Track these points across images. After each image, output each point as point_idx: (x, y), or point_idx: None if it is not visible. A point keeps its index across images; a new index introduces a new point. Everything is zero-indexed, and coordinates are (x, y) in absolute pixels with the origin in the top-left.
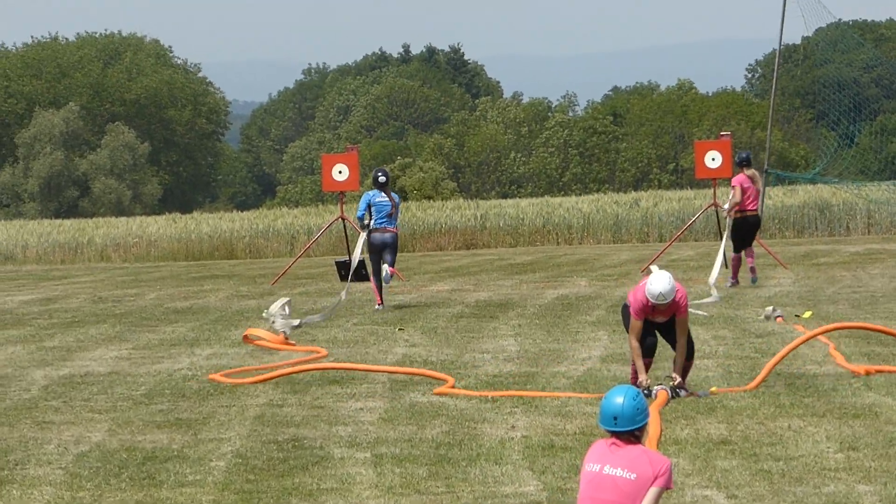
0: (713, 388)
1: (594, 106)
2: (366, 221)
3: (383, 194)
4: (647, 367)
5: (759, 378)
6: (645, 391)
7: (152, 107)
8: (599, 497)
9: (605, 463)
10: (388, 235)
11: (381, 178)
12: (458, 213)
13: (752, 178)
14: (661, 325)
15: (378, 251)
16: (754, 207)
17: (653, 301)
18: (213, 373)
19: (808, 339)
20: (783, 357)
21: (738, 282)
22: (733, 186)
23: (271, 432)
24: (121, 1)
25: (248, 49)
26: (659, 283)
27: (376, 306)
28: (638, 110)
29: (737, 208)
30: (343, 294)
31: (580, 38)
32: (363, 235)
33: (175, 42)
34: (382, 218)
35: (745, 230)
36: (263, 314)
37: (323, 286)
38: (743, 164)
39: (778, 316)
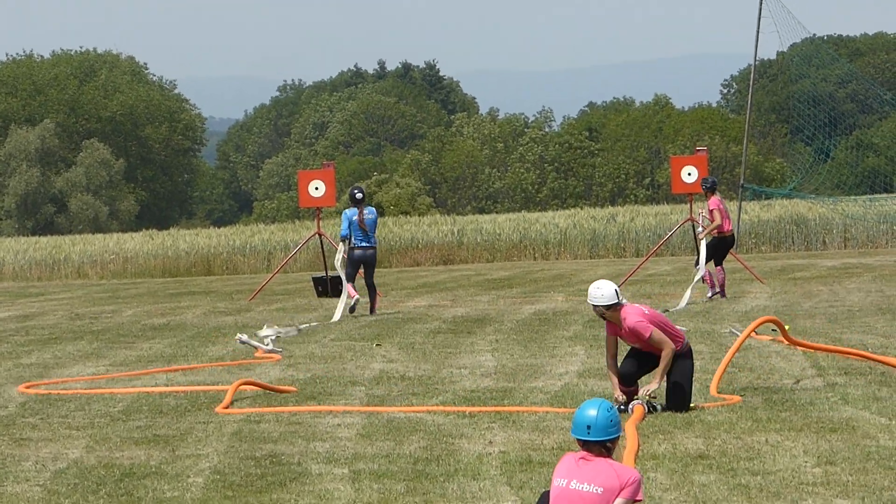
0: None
1: (569, 122)
2: (350, 241)
3: (362, 211)
4: (629, 394)
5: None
6: (621, 406)
7: (128, 124)
8: None
9: (572, 478)
10: (369, 253)
11: (359, 195)
12: (435, 228)
13: (721, 201)
14: (644, 356)
15: (357, 266)
16: (730, 228)
17: (589, 301)
18: (191, 387)
19: (746, 337)
20: (730, 359)
21: (725, 294)
22: (711, 210)
23: (249, 448)
24: (96, 18)
25: (224, 65)
26: (596, 284)
27: (353, 299)
28: (614, 126)
29: (722, 231)
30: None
31: (556, 54)
32: (341, 248)
33: (150, 59)
34: (361, 236)
35: (722, 249)
36: (236, 337)
37: (300, 302)
38: (713, 188)
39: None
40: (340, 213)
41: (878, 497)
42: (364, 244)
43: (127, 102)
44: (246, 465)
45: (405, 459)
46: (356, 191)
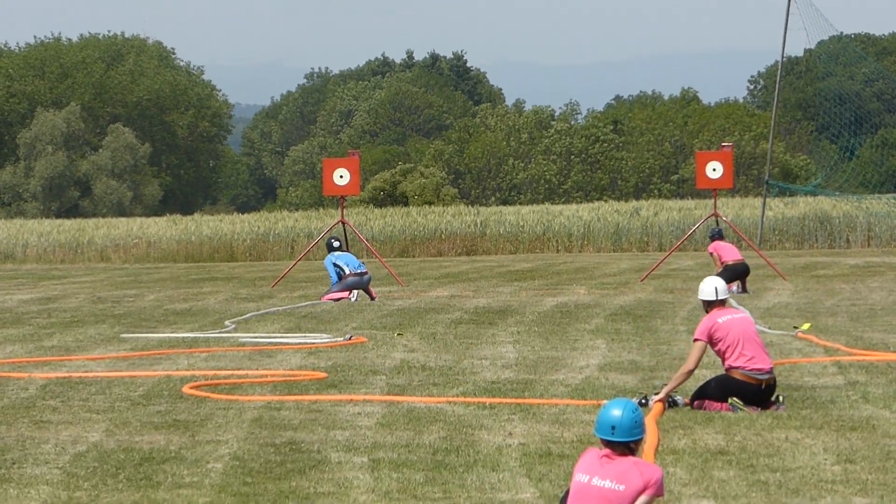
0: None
1: (595, 114)
2: (346, 273)
3: (341, 252)
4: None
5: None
6: (642, 400)
7: (154, 109)
8: None
9: (594, 475)
10: (365, 278)
11: (336, 244)
12: (459, 219)
13: (717, 247)
14: None
15: (351, 288)
16: (740, 257)
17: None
18: (211, 373)
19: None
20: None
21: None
22: (711, 254)
23: (269, 435)
24: (125, 2)
25: (252, 52)
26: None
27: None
28: (640, 120)
29: (725, 262)
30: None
31: (584, 47)
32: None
33: (178, 45)
34: (355, 264)
35: (736, 275)
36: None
37: (322, 289)
38: (715, 237)
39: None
40: (364, 203)
41: None
42: (359, 269)
43: (153, 87)
44: (265, 451)
45: (424, 449)
46: (334, 240)
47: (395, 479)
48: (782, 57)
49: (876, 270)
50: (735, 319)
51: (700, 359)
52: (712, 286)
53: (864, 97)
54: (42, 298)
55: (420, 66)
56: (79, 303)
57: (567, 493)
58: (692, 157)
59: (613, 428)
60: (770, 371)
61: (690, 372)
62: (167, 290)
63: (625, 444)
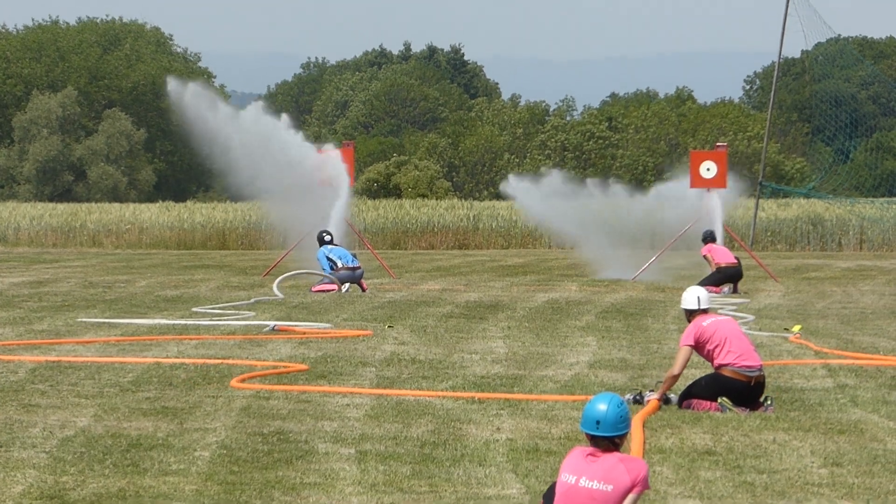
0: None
1: (591, 111)
2: (339, 267)
3: (334, 245)
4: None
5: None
6: (637, 396)
7: (150, 94)
8: None
9: (581, 475)
10: (357, 272)
11: (327, 238)
12: (452, 212)
13: (710, 249)
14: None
15: (346, 282)
16: (734, 261)
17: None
18: (201, 360)
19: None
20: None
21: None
22: (705, 256)
23: (257, 424)
24: None
25: (249, 41)
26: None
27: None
28: (634, 117)
29: (718, 265)
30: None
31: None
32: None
33: (177, 31)
34: (348, 258)
35: (728, 277)
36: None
37: (313, 279)
38: (709, 239)
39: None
40: (358, 194)
41: (882, 500)
42: (351, 263)
43: (150, 73)
44: (253, 440)
45: (412, 442)
46: (325, 233)
47: (382, 471)
48: (779, 58)
49: (867, 274)
50: (720, 321)
51: (685, 364)
52: (695, 295)
53: (860, 100)
54: (33, 282)
55: (417, 58)
56: (70, 287)
57: (551, 488)
58: (687, 156)
59: (598, 423)
60: (760, 368)
61: (676, 377)
62: (159, 276)
63: (609, 439)
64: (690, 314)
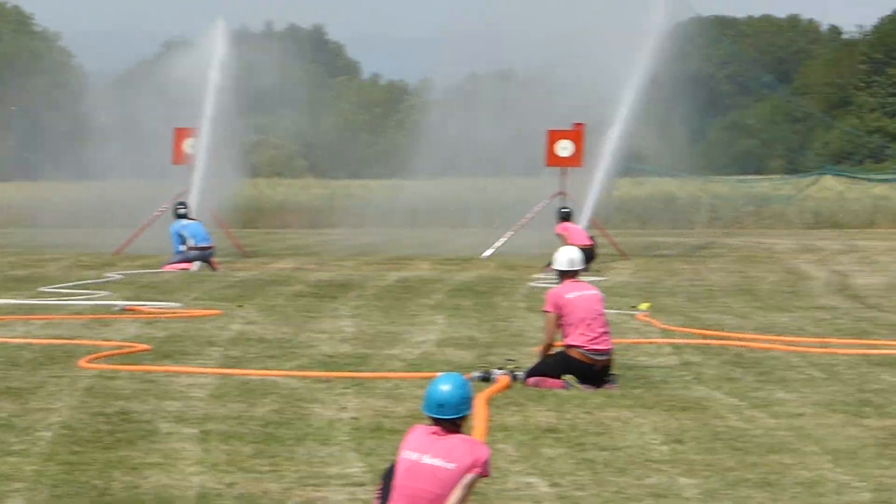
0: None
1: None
2: (188, 246)
3: (189, 220)
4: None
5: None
6: (484, 374)
7: (9, 73)
8: (415, 486)
9: (425, 452)
10: (208, 252)
11: (182, 211)
12: (307, 191)
13: (566, 227)
14: None
15: (196, 261)
16: (588, 242)
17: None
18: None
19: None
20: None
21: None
22: (559, 234)
23: (100, 404)
24: None
25: (112, 17)
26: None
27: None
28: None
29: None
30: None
31: (445, 18)
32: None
33: (38, 9)
34: (201, 236)
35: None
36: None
37: (164, 259)
38: (564, 218)
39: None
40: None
41: (721, 477)
42: (203, 243)
43: (8, 52)
44: (96, 420)
45: (256, 422)
46: (180, 206)
47: (224, 450)
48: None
49: (717, 252)
50: (583, 297)
51: (553, 330)
52: (567, 256)
53: (718, 79)
54: None
55: (279, 37)
56: None
57: (391, 468)
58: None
59: (441, 406)
60: (608, 353)
61: (549, 346)
62: (8, 256)
63: (451, 421)
64: (562, 275)
